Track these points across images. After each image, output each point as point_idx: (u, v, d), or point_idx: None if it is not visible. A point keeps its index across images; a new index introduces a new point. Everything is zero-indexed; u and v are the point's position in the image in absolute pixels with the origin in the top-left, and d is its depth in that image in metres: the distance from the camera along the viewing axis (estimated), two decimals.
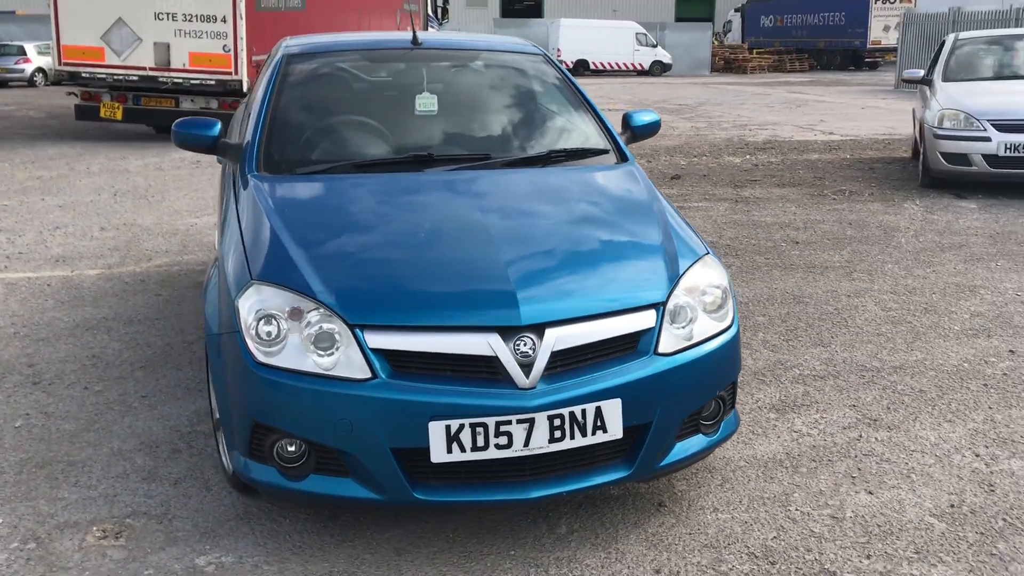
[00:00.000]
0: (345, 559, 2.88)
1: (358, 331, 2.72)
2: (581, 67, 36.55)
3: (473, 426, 2.66)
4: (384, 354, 2.71)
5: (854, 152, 12.11)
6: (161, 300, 5.51)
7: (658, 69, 38.19)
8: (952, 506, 3.21)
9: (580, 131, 3.97)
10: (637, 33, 38.20)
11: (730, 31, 50.88)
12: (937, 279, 5.97)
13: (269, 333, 2.77)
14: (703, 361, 2.94)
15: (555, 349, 2.73)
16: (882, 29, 39.67)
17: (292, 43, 4.35)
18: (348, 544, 2.96)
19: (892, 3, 39.29)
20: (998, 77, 9.26)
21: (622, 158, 3.86)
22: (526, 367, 2.70)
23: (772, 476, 3.42)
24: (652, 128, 4.19)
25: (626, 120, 4.17)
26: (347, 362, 2.70)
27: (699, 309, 3.00)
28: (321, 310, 2.76)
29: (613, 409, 2.76)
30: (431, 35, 4.37)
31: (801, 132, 14.54)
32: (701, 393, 2.97)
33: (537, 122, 4.06)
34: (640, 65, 38.18)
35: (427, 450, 2.68)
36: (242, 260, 3.02)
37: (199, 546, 2.95)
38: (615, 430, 2.78)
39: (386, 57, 4.29)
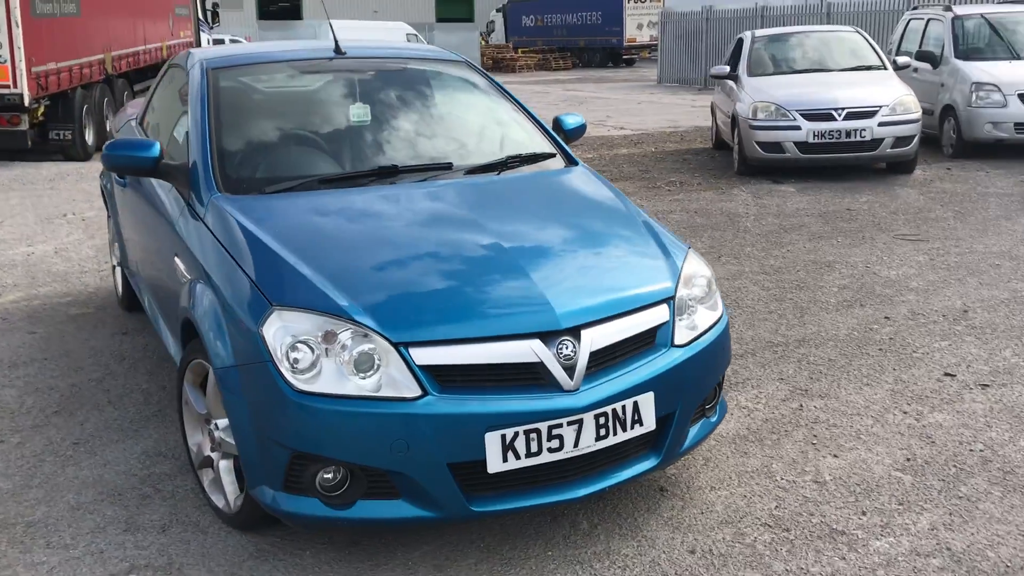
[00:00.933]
0: None
1: (403, 349, 2.68)
2: None
3: (527, 432, 2.70)
4: (430, 370, 2.68)
5: (657, 145, 12.81)
6: (37, 338, 5.06)
7: None
8: (908, 460, 3.57)
9: (525, 135, 4.04)
10: (408, 34, 38.19)
11: (493, 31, 51.99)
12: (795, 258, 6.50)
13: (299, 360, 2.68)
14: (709, 349, 3.11)
15: (592, 349, 2.81)
16: (636, 27, 41.94)
17: (205, 56, 4.13)
18: (385, 568, 2.90)
19: (644, 2, 41.61)
20: (797, 71, 10.13)
21: (570, 161, 3.97)
22: (569, 370, 2.76)
23: (746, 451, 3.66)
24: (581, 130, 4.33)
25: (557, 123, 4.28)
26: (392, 381, 2.66)
27: (695, 301, 3.17)
28: (356, 330, 2.69)
29: (647, 403, 2.88)
30: (351, 44, 4.29)
31: (595, 128, 15.18)
32: (710, 380, 3.15)
33: (483, 128, 4.08)
34: None
35: (483, 462, 2.68)
36: (246, 286, 2.88)
37: None
38: (649, 422, 2.90)
39: (316, 68, 4.17)
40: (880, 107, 8.95)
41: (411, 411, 2.63)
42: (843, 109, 8.95)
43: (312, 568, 2.91)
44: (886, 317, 5.20)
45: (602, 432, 2.79)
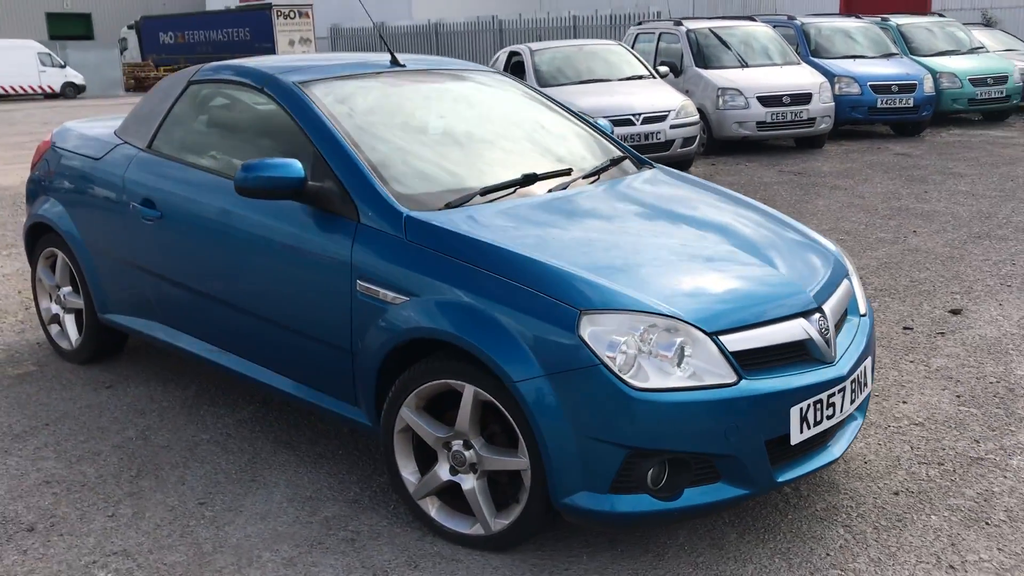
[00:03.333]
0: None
1: (716, 338, 2.83)
2: None
3: (814, 404, 2.97)
4: (737, 355, 2.86)
5: None
6: (8, 402, 4.33)
7: (71, 91, 35.37)
8: (959, 396, 4.25)
9: (594, 140, 4.21)
10: (39, 53, 34.91)
11: (127, 48, 48.75)
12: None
13: (622, 359, 2.74)
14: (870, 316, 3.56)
15: (834, 322, 3.15)
16: (288, 43, 41.46)
17: (276, 69, 3.85)
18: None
19: (293, 19, 41.25)
20: (583, 81, 10.88)
21: (642, 162, 4.22)
22: (827, 343, 3.07)
23: None
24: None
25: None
26: (708, 369, 2.81)
27: None
28: (669, 324, 2.81)
29: (868, 365, 3.27)
30: (407, 57, 4.18)
31: None
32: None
33: (566, 134, 4.17)
34: (50, 87, 34.98)
35: (787, 435, 2.91)
36: (534, 295, 2.84)
37: None
38: (870, 384, 3.29)
39: (395, 79, 4.03)
40: (669, 111, 9.96)
41: (736, 395, 2.79)
42: (640, 114, 9.84)
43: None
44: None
45: (853, 396, 3.13)
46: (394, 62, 4.15)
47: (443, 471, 3.10)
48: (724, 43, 12.10)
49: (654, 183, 3.93)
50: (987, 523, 3.17)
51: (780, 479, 2.95)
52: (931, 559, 2.97)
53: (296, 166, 3.32)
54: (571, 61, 11.06)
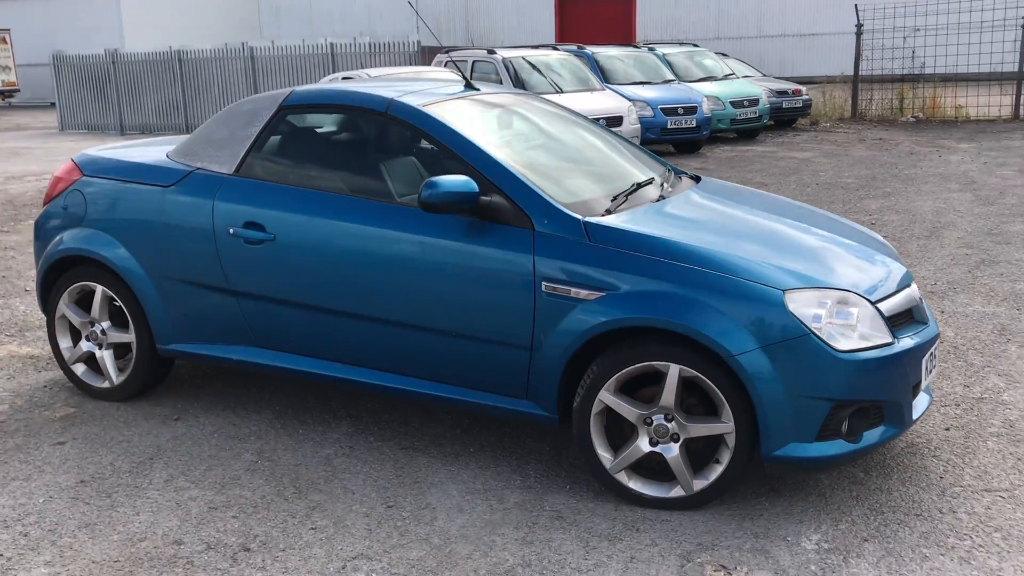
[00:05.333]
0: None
1: (877, 306, 3.48)
2: None
3: (930, 355, 3.70)
4: (888, 319, 3.53)
5: None
6: (106, 441, 4.14)
7: None
8: None
9: (639, 151, 4.75)
10: None
11: None
12: None
13: (822, 328, 3.33)
14: None
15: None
16: None
17: (379, 91, 4.07)
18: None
19: None
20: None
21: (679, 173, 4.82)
22: (923, 306, 3.83)
23: None
24: None
25: None
26: (873, 332, 3.45)
27: None
28: (849, 297, 3.42)
29: None
30: (443, 78, 4.50)
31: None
32: None
33: (612, 148, 4.63)
34: None
35: (919, 383, 3.62)
36: (738, 282, 3.34)
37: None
38: None
39: (487, 101, 4.34)
40: None
41: (899, 351, 3.46)
42: None
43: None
44: None
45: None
46: (468, 86, 4.46)
47: (644, 444, 3.52)
48: (538, 70, 12.97)
49: (722, 189, 4.55)
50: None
51: (915, 417, 3.64)
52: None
53: (472, 183, 3.61)
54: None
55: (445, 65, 13.89)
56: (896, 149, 14.64)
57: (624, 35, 33.09)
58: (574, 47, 15.00)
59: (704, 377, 3.38)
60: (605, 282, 3.48)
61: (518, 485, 3.76)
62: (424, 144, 4.12)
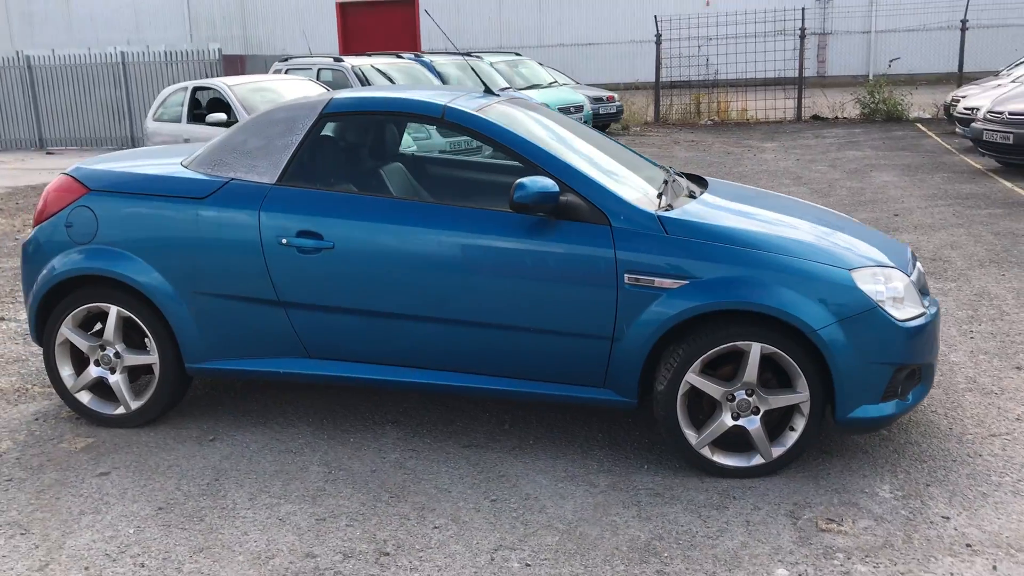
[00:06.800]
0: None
1: (911, 279, 3.96)
2: None
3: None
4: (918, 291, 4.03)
5: None
6: (149, 470, 3.91)
7: None
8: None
9: (635, 152, 5.04)
10: None
11: None
12: None
13: (885, 301, 3.76)
14: None
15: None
16: None
17: (427, 97, 4.13)
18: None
19: None
20: None
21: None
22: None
23: None
24: None
25: None
26: (914, 301, 3.92)
27: None
28: (891, 273, 3.88)
29: None
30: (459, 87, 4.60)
31: None
32: None
33: (621, 148, 4.90)
34: None
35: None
36: (807, 264, 3.71)
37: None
38: None
39: (518, 107, 4.47)
40: None
41: (934, 318, 3.95)
42: None
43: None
44: None
45: None
46: (488, 92, 4.59)
47: (727, 419, 3.82)
48: (388, 78, 13.00)
49: (736, 187, 4.91)
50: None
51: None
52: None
53: (554, 183, 3.78)
54: (276, 96, 11.11)
55: (286, 72, 13.64)
56: (712, 150, 15.80)
57: (409, 44, 33.29)
58: (411, 55, 15.12)
59: (783, 352, 3.72)
60: (687, 271, 3.75)
61: (596, 470, 3.96)
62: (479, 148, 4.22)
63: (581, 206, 3.86)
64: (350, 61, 13.14)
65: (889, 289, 3.82)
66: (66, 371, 4.41)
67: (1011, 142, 11.38)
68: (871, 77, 24.01)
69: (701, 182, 4.79)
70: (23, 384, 5.05)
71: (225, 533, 3.46)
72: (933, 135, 16.47)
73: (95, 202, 4.29)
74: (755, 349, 3.73)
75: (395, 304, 3.99)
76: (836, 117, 19.90)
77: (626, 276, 3.79)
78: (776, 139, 17.00)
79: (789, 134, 17.74)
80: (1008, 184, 11.11)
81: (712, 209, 4.11)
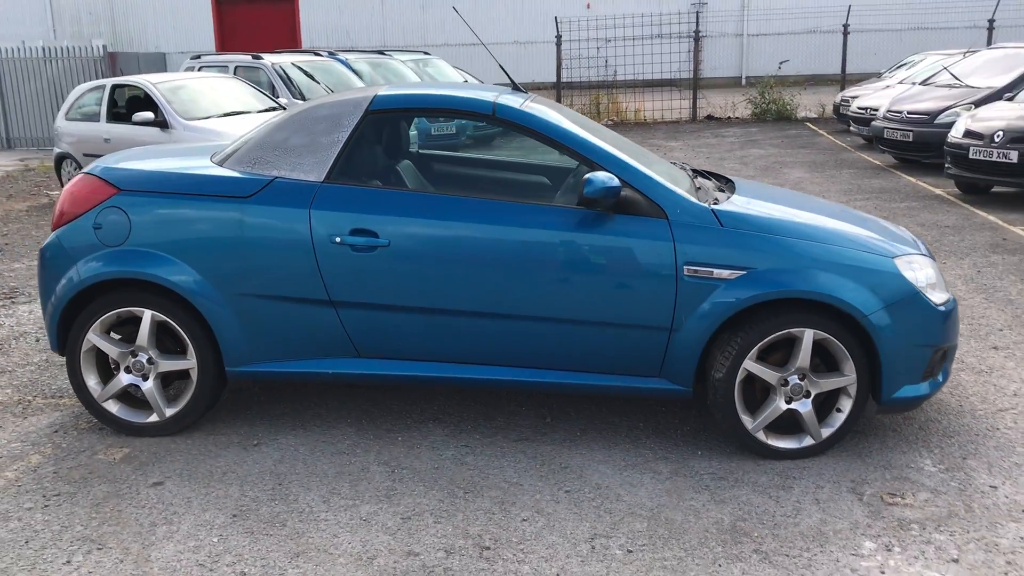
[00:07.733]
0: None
1: (935, 265, 4.22)
2: None
3: None
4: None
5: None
6: (201, 480, 3.77)
7: None
8: None
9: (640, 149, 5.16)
10: None
11: None
12: None
13: (924, 287, 4.00)
14: None
15: None
16: None
17: (474, 94, 4.13)
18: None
19: None
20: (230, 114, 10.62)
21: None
22: None
23: None
24: None
25: None
26: (938, 289, 4.18)
27: None
28: (920, 260, 4.12)
29: None
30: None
31: None
32: None
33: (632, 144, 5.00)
34: None
35: None
36: (856, 253, 3.91)
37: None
38: None
39: (550, 104, 4.49)
40: None
41: (955, 302, 4.22)
42: None
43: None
44: None
45: None
46: (516, 88, 4.63)
47: (781, 403, 3.99)
48: (311, 76, 12.77)
49: (757, 184, 5.07)
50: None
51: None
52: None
53: (615, 178, 3.85)
54: (203, 95, 10.73)
55: (199, 70, 13.22)
56: None
57: (289, 41, 32.65)
58: (325, 53, 14.87)
59: (833, 337, 3.91)
60: (744, 262, 3.89)
61: (653, 457, 4.06)
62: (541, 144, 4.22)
63: (639, 200, 3.95)
64: (269, 59, 12.84)
65: (925, 276, 4.06)
66: (92, 380, 4.21)
67: (911, 139, 12.10)
68: (743, 79, 24.99)
69: (722, 179, 4.95)
70: (22, 396, 4.79)
71: (315, 536, 3.40)
72: (824, 133, 17.30)
73: (127, 203, 4.11)
74: (808, 335, 3.90)
75: (452, 301, 3.99)
76: (729, 117, 20.64)
77: (685, 268, 3.90)
78: (679, 138, 17.50)
79: (690, 133, 18.29)
80: (911, 179, 11.80)
81: (755, 202, 4.27)
